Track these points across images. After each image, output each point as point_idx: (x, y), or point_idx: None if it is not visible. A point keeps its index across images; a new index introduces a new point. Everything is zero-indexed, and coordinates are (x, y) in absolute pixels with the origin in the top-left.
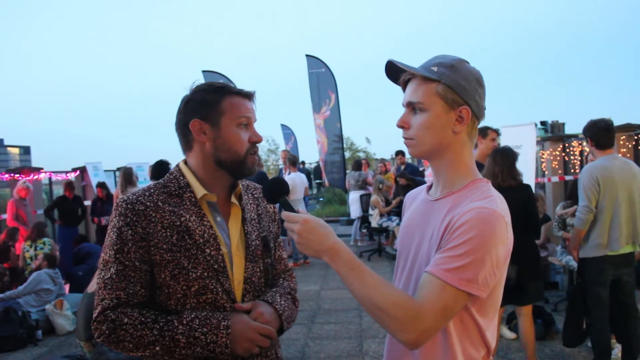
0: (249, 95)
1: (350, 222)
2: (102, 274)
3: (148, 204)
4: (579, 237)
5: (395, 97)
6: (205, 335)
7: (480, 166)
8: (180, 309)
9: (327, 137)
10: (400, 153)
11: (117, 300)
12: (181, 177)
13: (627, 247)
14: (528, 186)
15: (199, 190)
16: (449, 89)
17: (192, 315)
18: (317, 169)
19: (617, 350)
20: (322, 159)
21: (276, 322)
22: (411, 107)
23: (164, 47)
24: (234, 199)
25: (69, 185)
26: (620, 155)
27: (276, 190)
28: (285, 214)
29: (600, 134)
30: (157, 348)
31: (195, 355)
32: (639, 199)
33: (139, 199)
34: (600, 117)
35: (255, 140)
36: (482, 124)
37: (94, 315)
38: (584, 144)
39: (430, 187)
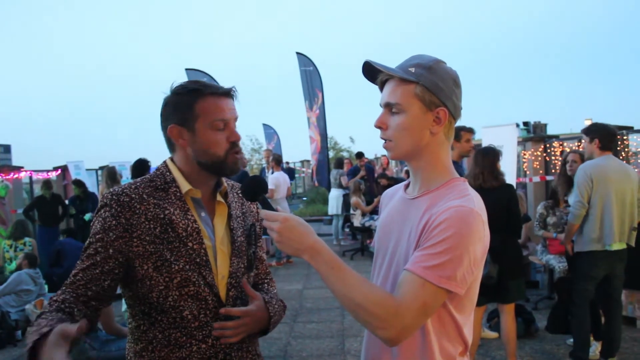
0: (225, 93)
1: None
2: (80, 258)
3: (133, 196)
4: (572, 231)
5: (379, 97)
6: None
7: (454, 164)
8: (162, 301)
9: (320, 135)
10: (361, 155)
11: (73, 277)
12: (167, 173)
13: (618, 244)
14: (510, 186)
15: (184, 186)
16: (426, 91)
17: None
18: (290, 169)
19: (594, 347)
20: (316, 158)
21: (264, 324)
22: (389, 107)
23: (147, 44)
24: (219, 197)
25: (45, 184)
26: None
27: (255, 188)
28: (264, 212)
29: (609, 137)
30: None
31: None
32: (630, 200)
33: (125, 191)
34: (583, 118)
35: (233, 140)
36: (471, 124)
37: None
38: (565, 144)
39: (407, 186)
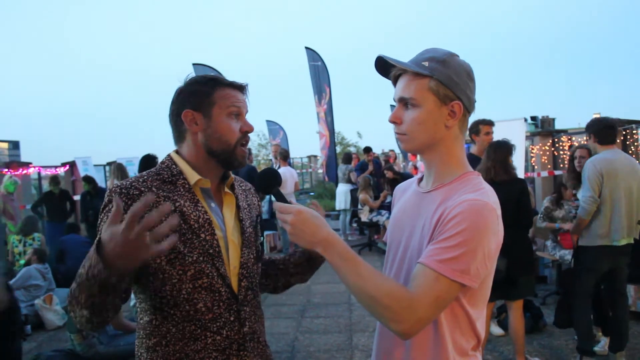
0: (240, 87)
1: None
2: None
3: (142, 189)
4: (581, 226)
5: (387, 92)
6: (84, 266)
7: (479, 160)
8: (176, 295)
9: (329, 131)
10: (369, 150)
11: None
12: (174, 165)
13: (626, 239)
14: (521, 180)
15: (193, 176)
16: (440, 85)
17: None
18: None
19: (603, 342)
20: (325, 153)
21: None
22: (403, 102)
23: (154, 40)
24: (226, 188)
25: (53, 179)
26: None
27: (269, 180)
28: (278, 204)
29: (605, 131)
30: (77, 308)
31: (94, 292)
32: (637, 195)
33: (133, 184)
34: (592, 112)
35: (246, 130)
36: (474, 118)
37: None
38: (574, 138)
39: (421, 180)
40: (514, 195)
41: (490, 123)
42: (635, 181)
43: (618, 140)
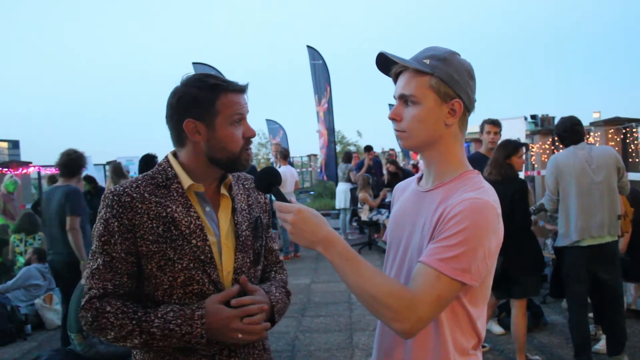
0: (242, 90)
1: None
2: (91, 264)
3: (134, 195)
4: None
5: (387, 91)
6: (179, 327)
7: (485, 159)
8: (167, 300)
9: (327, 130)
10: (370, 148)
11: (104, 290)
12: (169, 169)
13: (590, 239)
14: (519, 181)
15: (187, 181)
16: (441, 82)
17: (168, 308)
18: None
19: (603, 341)
20: (324, 152)
21: (267, 313)
22: (403, 99)
23: (154, 39)
24: (223, 190)
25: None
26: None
27: (268, 180)
28: (278, 204)
29: (562, 135)
30: (136, 341)
31: (174, 346)
32: (605, 190)
33: (126, 190)
34: (591, 110)
35: (249, 136)
36: (475, 117)
37: (81, 304)
38: None
39: (420, 179)
40: (508, 195)
41: (492, 122)
42: (601, 176)
43: (618, 138)
